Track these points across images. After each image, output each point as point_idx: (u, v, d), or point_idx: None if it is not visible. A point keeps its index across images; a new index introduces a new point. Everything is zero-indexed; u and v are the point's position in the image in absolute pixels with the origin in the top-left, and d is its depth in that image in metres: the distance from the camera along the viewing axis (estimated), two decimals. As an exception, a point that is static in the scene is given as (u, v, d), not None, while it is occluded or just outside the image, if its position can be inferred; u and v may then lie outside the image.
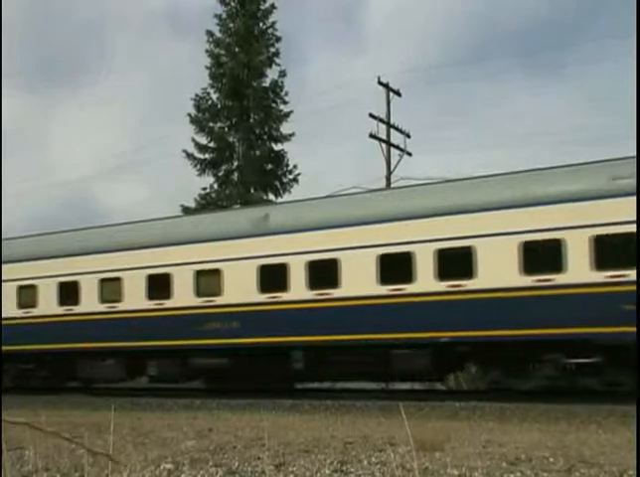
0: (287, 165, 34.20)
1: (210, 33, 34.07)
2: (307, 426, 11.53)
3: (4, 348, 20.80)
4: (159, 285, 19.45)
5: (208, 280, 18.86)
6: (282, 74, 34.14)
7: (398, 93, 32.24)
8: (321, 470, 6.97)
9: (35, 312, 21.63)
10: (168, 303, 19.29)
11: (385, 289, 16.53)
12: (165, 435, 10.23)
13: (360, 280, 16.90)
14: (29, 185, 70.41)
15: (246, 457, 7.71)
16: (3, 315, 21.57)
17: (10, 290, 21.90)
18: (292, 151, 34.55)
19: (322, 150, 61.60)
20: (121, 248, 20.30)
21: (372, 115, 30.81)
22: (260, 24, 34.37)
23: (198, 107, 33.90)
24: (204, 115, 33.95)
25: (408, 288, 16.33)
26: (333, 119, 62.64)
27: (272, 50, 34.22)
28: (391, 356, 16.62)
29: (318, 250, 17.43)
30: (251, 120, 34.07)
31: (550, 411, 13.59)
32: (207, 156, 34.05)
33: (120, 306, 20.11)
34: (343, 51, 76.15)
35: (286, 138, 34.08)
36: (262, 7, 34.31)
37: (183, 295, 19.10)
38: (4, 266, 21.76)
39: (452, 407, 14.70)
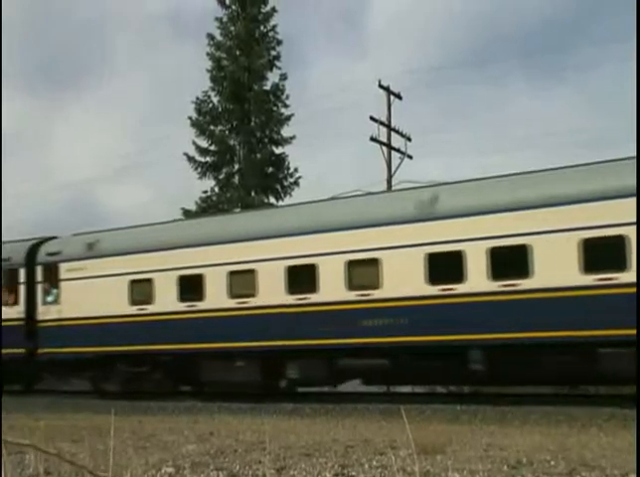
0: (288, 168, 34.27)
1: (210, 36, 34.16)
2: (308, 430, 11.52)
3: (110, 349, 20.04)
4: (301, 278, 17.60)
5: (362, 271, 17.01)
6: (283, 77, 34.23)
7: (398, 96, 32.26)
8: (322, 474, 6.96)
9: (151, 309, 19.91)
10: (314, 298, 17.35)
11: (590, 279, 14.64)
12: (166, 439, 10.22)
13: (558, 269, 14.99)
14: (30, 187, 70.44)
15: (247, 461, 7.70)
16: (110, 312, 20.25)
17: (120, 285, 20.28)
18: (293, 154, 34.64)
19: (323, 153, 61.62)
20: (255, 238, 18.41)
21: (372, 118, 30.84)
22: (261, 27, 34.46)
23: (199, 111, 33.96)
24: (205, 118, 34.01)
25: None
26: (334, 122, 62.69)
27: (273, 53, 34.31)
28: (598, 356, 14.78)
29: (504, 235, 15.52)
30: (252, 123, 34.12)
31: (551, 415, 13.58)
32: (208, 159, 34.10)
33: (253, 302, 18.25)
34: (344, 54, 76.28)
35: (287, 141, 34.14)
36: (263, 10, 34.39)
37: (331, 289, 17.18)
38: (109, 259, 20.66)
39: (453, 411, 14.70)
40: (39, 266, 22.04)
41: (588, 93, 72.94)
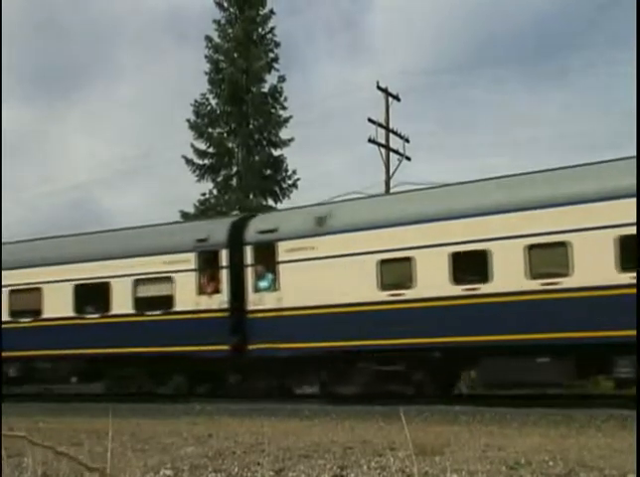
0: (286, 170, 34.27)
1: (208, 38, 34.16)
2: (307, 432, 11.53)
3: (351, 343, 17.01)
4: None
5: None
6: (281, 79, 34.23)
7: (397, 98, 32.24)
8: (321, 475, 6.98)
9: (410, 294, 16.61)
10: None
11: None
12: (165, 441, 10.23)
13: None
14: (30, 187, 70.42)
15: (246, 463, 7.71)
16: (351, 299, 17.04)
17: (366, 266, 17.01)
18: (291, 156, 34.65)
19: (321, 155, 61.66)
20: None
21: (370, 120, 30.82)
22: (259, 29, 34.45)
23: (197, 113, 33.96)
24: (203, 121, 34.01)
25: None
26: (332, 124, 62.74)
27: (271, 55, 34.31)
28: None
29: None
30: (251, 126, 34.13)
31: (549, 416, 13.59)
32: (206, 162, 34.10)
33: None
34: (342, 55, 76.30)
35: (285, 144, 34.14)
36: (261, 12, 34.39)
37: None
38: (348, 236, 17.44)
39: (452, 412, 14.70)
40: (248, 247, 18.71)
41: (589, 96, 73.05)
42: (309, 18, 69.74)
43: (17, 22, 69.77)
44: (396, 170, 31.65)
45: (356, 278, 17.01)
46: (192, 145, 33.90)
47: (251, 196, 33.56)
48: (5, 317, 21.37)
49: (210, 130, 34.13)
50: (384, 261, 16.88)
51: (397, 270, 16.99)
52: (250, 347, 18.31)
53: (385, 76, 60.92)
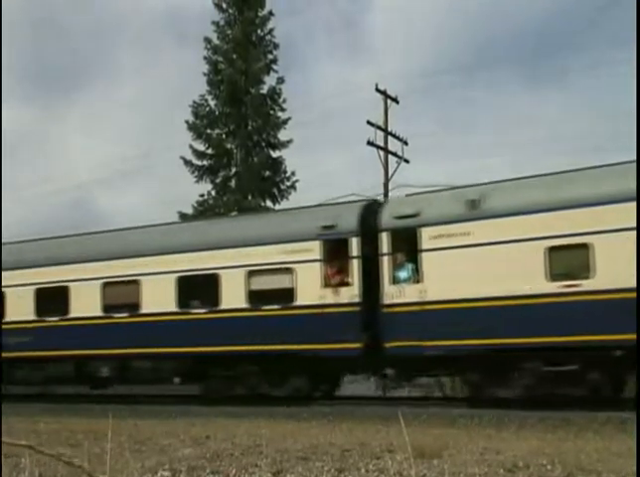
0: (285, 172, 34.29)
1: (207, 40, 34.18)
2: (305, 434, 11.51)
3: (521, 341, 15.47)
4: None
5: None
6: (280, 80, 34.25)
7: (395, 100, 32.27)
8: (319, 477, 6.97)
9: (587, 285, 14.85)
10: None
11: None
12: (162, 442, 10.22)
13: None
14: (30, 188, 70.41)
15: (244, 464, 7.70)
16: (515, 291, 15.45)
17: (531, 254, 15.43)
18: (290, 158, 34.67)
19: (320, 157, 61.70)
20: None
21: (369, 122, 30.84)
22: (258, 31, 34.48)
23: (196, 114, 33.96)
24: (202, 122, 34.02)
25: None
26: (331, 125, 62.76)
27: (270, 57, 34.34)
28: None
29: None
30: (249, 127, 34.14)
31: (547, 419, 13.58)
32: (205, 163, 34.10)
33: None
34: (341, 57, 76.33)
35: (284, 145, 34.16)
36: (260, 14, 34.41)
37: None
38: (511, 220, 15.83)
39: (450, 415, 14.69)
40: (384, 234, 17.02)
41: (589, 97, 73.13)
42: (308, 19, 69.81)
43: (17, 22, 69.82)
44: (394, 172, 31.72)
45: (519, 268, 15.44)
46: (191, 146, 33.95)
47: (250, 197, 33.57)
48: (97, 312, 20.02)
49: (208, 131, 34.15)
50: (554, 248, 15.25)
51: (570, 258, 15.38)
52: (387, 345, 16.54)
53: (384, 76, 61.29)
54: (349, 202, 19.11)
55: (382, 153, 31.56)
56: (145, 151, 68.63)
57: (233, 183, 34.25)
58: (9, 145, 61.06)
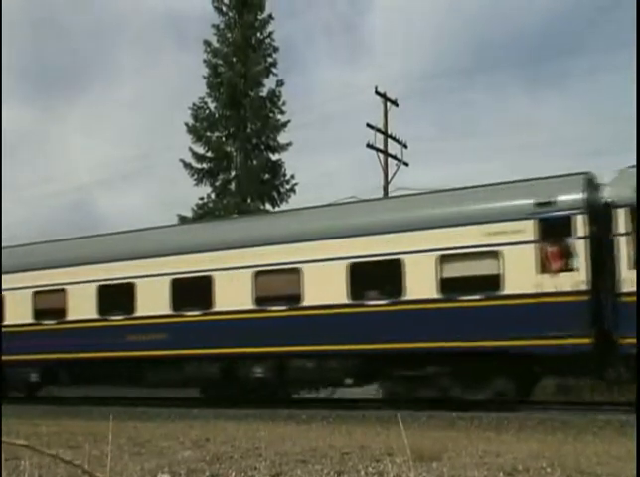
0: (284, 175, 34.23)
1: (207, 42, 34.18)
2: (304, 436, 11.51)
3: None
4: None
5: None
6: (280, 83, 34.23)
7: (395, 103, 32.32)
8: (318, 480, 6.97)
9: None
10: None
11: None
12: (162, 445, 10.22)
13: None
14: (30, 190, 70.38)
15: (243, 467, 7.70)
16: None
17: None
18: (289, 161, 34.65)
19: (319, 159, 61.67)
20: None
21: (369, 125, 30.89)
22: (258, 34, 34.47)
23: (195, 117, 33.95)
24: (201, 125, 33.99)
25: None
26: (330, 129, 62.68)
27: (270, 60, 34.32)
28: None
29: None
30: (249, 130, 34.11)
31: (546, 422, 13.60)
32: (204, 166, 34.08)
33: None
34: (341, 60, 76.38)
35: (283, 148, 34.15)
36: (260, 17, 34.40)
37: None
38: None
39: (450, 417, 14.69)
40: (621, 210, 14.61)
41: (589, 101, 73.17)
42: (308, 21, 69.85)
43: (17, 22, 69.84)
44: (394, 175, 31.75)
45: None
46: (190, 149, 33.93)
47: (249, 200, 33.52)
48: (248, 305, 17.90)
49: (208, 134, 34.10)
50: None
51: None
52: (623, 341, 14.14)
53: (383, 79, 61.13)
54: (563, 175, 15.90)
55: (381, 156, 31.61)
56: (145, 153, 68.57)
57: (232, 186, 34.21)
58: (9, 146, 61.06)
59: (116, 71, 76.83)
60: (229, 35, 34.30)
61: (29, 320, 21.03)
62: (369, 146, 30.83)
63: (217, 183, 34.21)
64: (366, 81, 75.06)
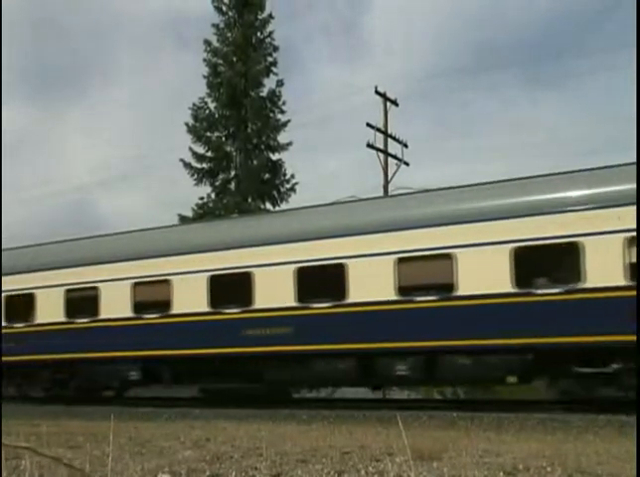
0: (285, 174, 34.24)
1: (207, 42, 34.17)
2: (305, 436, 11.51)
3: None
4: None
5: None
6: (280, 83, 34.23)
7: (395, 103, 32.32)
8: (319, 480, 6.97)
9: None
10: None
11: None
12: (162, 445, 10.21)
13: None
14: (30, 192, 70.40)
15: (244, 467, 7.70)
16: None
17: None
18: (290, 160, 34.64)
19: (319, 159, 61.66)
20: None
21: (369, 125, 30.89)
22: (258, 33, 34.47)
23: (195, 117, 33.95)
24: (201, 125, 33.99)
25: None
26: (330, 128, 62.80)
27: (270, 59, 34.32)
28: None
29: None
30: (249, 130, 34.10)
31: (547, 421, 13.59)
32: (204, 165, 34.07)
33: None
34: (341, 60, 76.39)
35: (284, 148, 34.14)
36: (260, 17, 34.40)
37: None
38: None
39: (450, 417, 14.69)
40: None
41: (589, 101, 73.13)
42: (308, 21, 69.83)
43: (17, 22, 69.82)
44: (394, 175, 31.75)
45: None
46: (190, 149, 33.92)
47: (250, 200, 33.52)
48: (390, 295, 15.98)
49: (208, 134, 34.11)
50: None
51: None
52: None
53: (384, 78, 61.05)
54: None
55: (381, 155, 31.61)
56: (145, 153, 68.60)
57: (232, 185, 34.21)
58: (9, 146, 61.06)
59: (116, 70, 76.87)
60: (229, 34, 34.31)
61: (129, 314, 19.26)
62: (369, 146, 30.84)
63: (217, 183, 34.22)
64: (366, 81, 75.11)
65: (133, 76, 77.67)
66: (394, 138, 32.03)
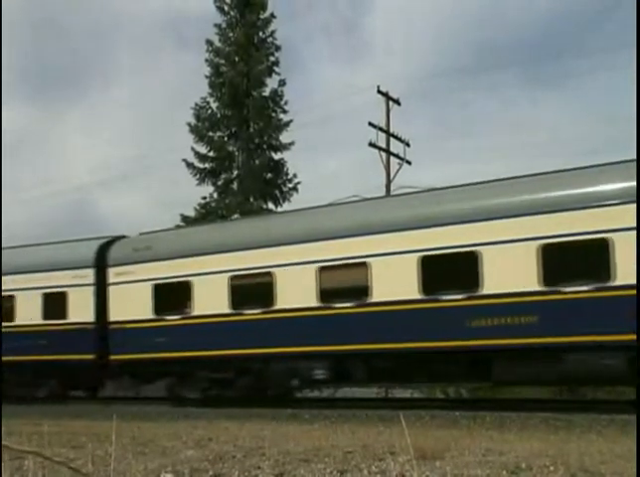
0: (287, 174, 34.29)
1: (209, 42, 34.19)
2: (307, 436, 11.50)
3: None
4: None
5: None
6: (282, 83, 34.27)
7: (397, 102, 32.31)
8: (321, 479, 6.96)
9: None
10: None
11: None
12: (165, 445, 10.21)
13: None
14: (30, 192, 70.45)
15: (246, 466, 7.70)
16: None
17: None
18: (292, 160, 34.67)
19: (322, 158, 61.67)
20: None
21: (371, 124, 30.88)
22: (260, 33, 34.49)
23: (197, 117, 33.97)
24: (203, 125, 34.02)
25: None
26: (333, 127, 62.81)
27: (272, 59, 34.34)
28: None
29: None
30: (251, 130, 34.14)
31: (549, 420, 13.56)
32: (206, 165, 34.11)
33: None
34: (342, 60, 76.36)
35: (286, 147, 34.16)
36: (262, 16, 34.42)
37: None
38: None
39: (452, 416, 14.67)
40: None
41: (590, 101, 73.04)
42: (310, 21, 69.82)
43: (17, 22, 69.87)
44: (396, 174, 31.73)
45: None
46: (192, 149, 33.96)
47: (252, 199, 33.55)
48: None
49: (210, 134, 34.15)
50: None
51: None
52: None
53: (385, 78, 61.05)
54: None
55: (384, 155, 31.59)
56: (145, 153, 68.64)
57: (234, 185, 34.26)
58: (8, 146, 61.09)
59: (117, 70, 76.89)
60: (231, 34, 34.35)
61: (313, 303, 16.98)
62: (371, 145, 30.82)
63: (219, 182, 34.26)
64: (366, 81, 75.14)
65: (133, 76, 77.78)
66: (396, 137, 32.01)
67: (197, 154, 33.96)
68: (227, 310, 18.13)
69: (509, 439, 10.85)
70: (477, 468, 7.24)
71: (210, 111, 34.24)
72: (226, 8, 34.55)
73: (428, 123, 67.48)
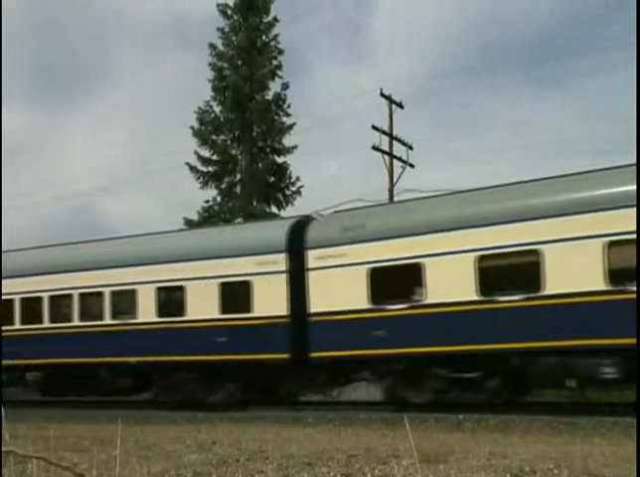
0: (290, 177, 34.32)
1: (212, 46, 34.26)
2: (311, 439, 11.50)
3: None
4: None
5: None
6: (285, 86, 34.31)
7: (400, 105, 32.29)
8: (325, 483, 6.96)
9: None
10: None
11: None
12: (168, 448, 10.22)
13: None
14: (31, 195, 70.55)
15: (250, 470, 7.70)
16: None
17: None
18: (295, 163, 34.68)
19: (325, 162, 61.67)
20: None
21: (374, 127, 30.87)
22: (263, 37, 34.55)
23: (201, 120, 34.03)
24: (206, 128, 34.07)
25: None
26: (336, 131, 62.70)
27: (275, 62, 34.39)
28: None
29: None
30: (254, 133, 34.19)
31: (553, 423, 13.55)
32: (210, 169, 34.15)
33: None
34: (346, 62, 76.38)
35: (289, 151, 34.20)
36: (265, 20, 34.49)
37: None
38: None
39: (456, 420, 14.67)
40: None
41: (592, 101, 73.03)
42: (312, 24, 69.90)
43: (19, 23, 70.06)
44: (399, 177, 31.72)
45: None
46: (196, 152, 34.02)
47: (255, 203, 33.59)
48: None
49: (213, 138, 34.21)
50: None
51: None
52: None
53: (388, 81, 61.06)
54: None
55: (387, 158, 31.58)
56: (150, 157, 68.78)
57: (238, 189, 34.29)
58: (9, 150, 61.20)
59: (120, 74, 77.03)
60: (234, 38, 34.41)
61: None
62: (374, 148, 30.81)
63: (222, 186, 34.30)
64: (369, 84, 75.13)
65: (136, 79, 77.81)
66: (399, 140, 32.00)
67: (200, 158, 34.02)
68: (474, 297, 15.53)
69: (513, 442, 10.84)
70: (481, 472, 7.23)
71: (213, 115, 34.30)
72: (229, 12, 34.61)
73: (430, 125, 67.48)
